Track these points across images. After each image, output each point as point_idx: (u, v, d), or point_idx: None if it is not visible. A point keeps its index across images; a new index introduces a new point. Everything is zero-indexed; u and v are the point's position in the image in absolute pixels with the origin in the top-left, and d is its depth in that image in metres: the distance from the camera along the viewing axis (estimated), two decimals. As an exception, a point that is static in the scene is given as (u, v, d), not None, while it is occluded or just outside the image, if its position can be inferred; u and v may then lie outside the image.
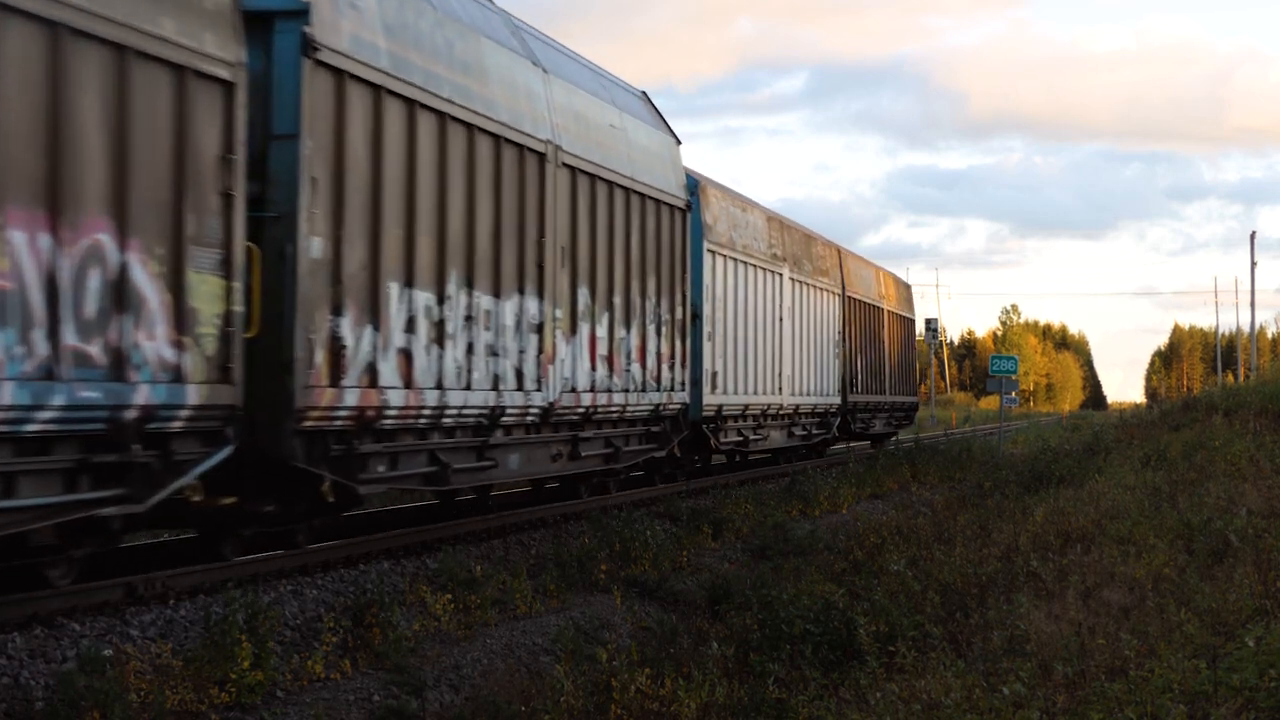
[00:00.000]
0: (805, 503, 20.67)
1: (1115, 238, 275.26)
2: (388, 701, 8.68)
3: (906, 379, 39.63)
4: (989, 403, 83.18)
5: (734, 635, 10.62)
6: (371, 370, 11.66)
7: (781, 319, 25.92)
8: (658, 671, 9.15)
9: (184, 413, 9.50)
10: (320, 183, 10.98)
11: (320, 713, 8.32)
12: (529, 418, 14.69)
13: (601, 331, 16.58)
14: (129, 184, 8.92)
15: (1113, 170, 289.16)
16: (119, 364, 8.89)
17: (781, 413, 26.00)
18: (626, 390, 17.29)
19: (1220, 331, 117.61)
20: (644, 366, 17.90)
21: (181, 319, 9.46)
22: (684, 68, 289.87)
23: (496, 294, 13.88)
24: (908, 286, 42.32)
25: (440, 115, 12.72)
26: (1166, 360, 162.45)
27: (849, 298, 32.04)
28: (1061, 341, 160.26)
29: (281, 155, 10.72)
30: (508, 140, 14.06)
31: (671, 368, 18.95)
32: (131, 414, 9.00)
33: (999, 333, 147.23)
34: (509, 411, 14.09)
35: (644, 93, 20.17)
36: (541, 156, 14.92)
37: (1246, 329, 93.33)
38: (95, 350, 8.70)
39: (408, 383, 12.20)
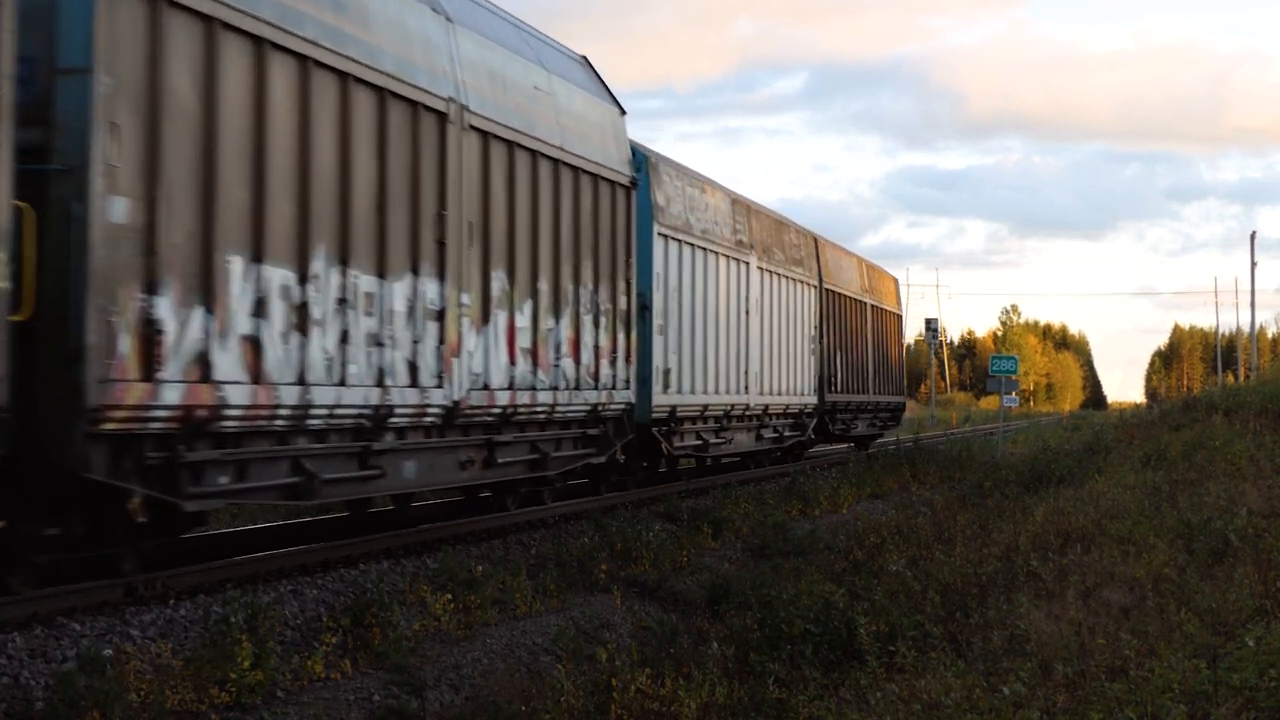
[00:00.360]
0: (805, 503, 20.67)
1: (1115, 238, 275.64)
2: (388, 701, 8.68)
3: (892, 378, 37.49)
4: (989, 403, 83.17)
5: (734, 635, 10.62)
6: (203, 361, 9.73)
7: (748, 312, 23.84)
8: (658, 671, 9.16)
9: None
10: (125, 130, 9.04)
11: (320, 713, 8.32)
12: (428, 419, 12.83)
13: (523, 321, 14.66)
14: None
15: (1112, 170, 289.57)
16: None
17: (749, 414, 24.01)
18: (556, 388, 15.36)
19: (1220, 331, 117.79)
20: (578, 362, 16.00)
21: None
22: (683, 68, 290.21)
23: (382, 274, 11.96)
24: (894, 280, 40.26)
25: (301, 59, 10.82)
26: (1166, 360, 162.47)
27: (827, 290, 30.05)
28: (1061, 341, 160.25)
29: (70, 94, 8.77)
30: (395, 95, 12.12)
31: (613, 364, 17.03)
32: None
33: (999, 333, 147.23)
34: (399, 412, 12.20)
35: (585, 58, 18.15)
36: (442, 117, 12.93)
37: (1246, 329, 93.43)
38: None
39: (256, 377, 10.24)
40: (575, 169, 15.95)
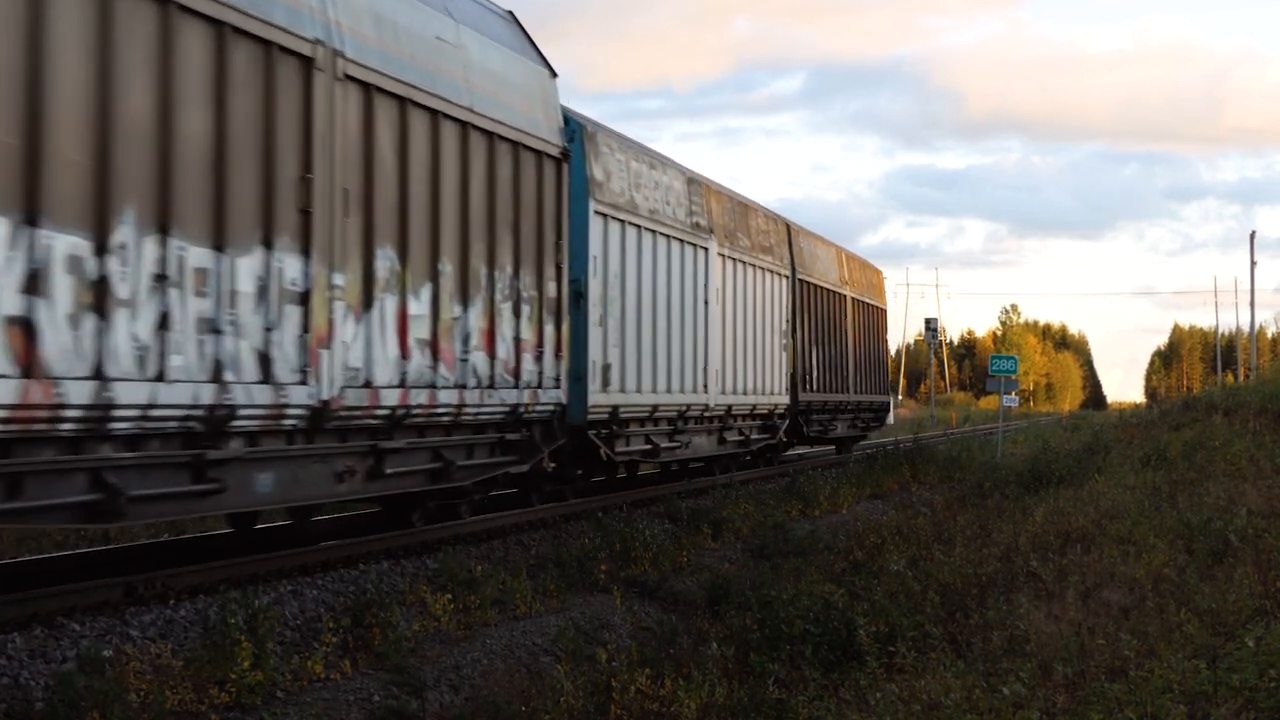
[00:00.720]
0: (805, 503, 20.69)
1: (1114, 238, 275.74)
2: (388, 702, 8.68)
3: (876, 376, 35.12)
4: (989, 402, 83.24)
5: (734, 635, 10.63)
6: None
7: (707, 302, 21.49)
8: (658, 672, 9.17)
9: None
10: None
11: (320, 713, 8.33)
12: (287, 422, 10.76)
13: (419, 308, 12.62)
14: None
15: (1110, 170, 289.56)
16: None
17: (708, 415, 21.63)
18: (463, 386, 13.29)
19: (1220, 331, 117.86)
20: (493, 356, 13.94)
21: None
22: (682, 68, 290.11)
23: (220, 246, 9.90)
24: (879, 273, 37.80)
25: None
26: (1166, 360, 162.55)
27: (801, 281, 27.67)
28: (1061, 341, 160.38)
29: None
30: (239, 30, 10.10)
31: (539, 359, 14.99)
32: None
33: (999, 333, 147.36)
34: (245, 414, 10.13)
35: (510, 12, 15.97)
36: (307, 62, 10.93)
37: (1246, 329, 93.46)
38: None
39: (29, 369, 8.22)
40: (489, 134, 13.88)
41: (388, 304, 12.12)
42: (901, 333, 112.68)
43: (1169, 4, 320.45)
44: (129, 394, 9.00)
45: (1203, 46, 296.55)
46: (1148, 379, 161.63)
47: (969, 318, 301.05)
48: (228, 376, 9.97)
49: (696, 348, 20.98)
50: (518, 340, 14.52)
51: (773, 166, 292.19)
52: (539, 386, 14.96)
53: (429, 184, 12.83)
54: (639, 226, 18.79)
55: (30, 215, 8.28)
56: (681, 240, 20.46)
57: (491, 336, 13.97)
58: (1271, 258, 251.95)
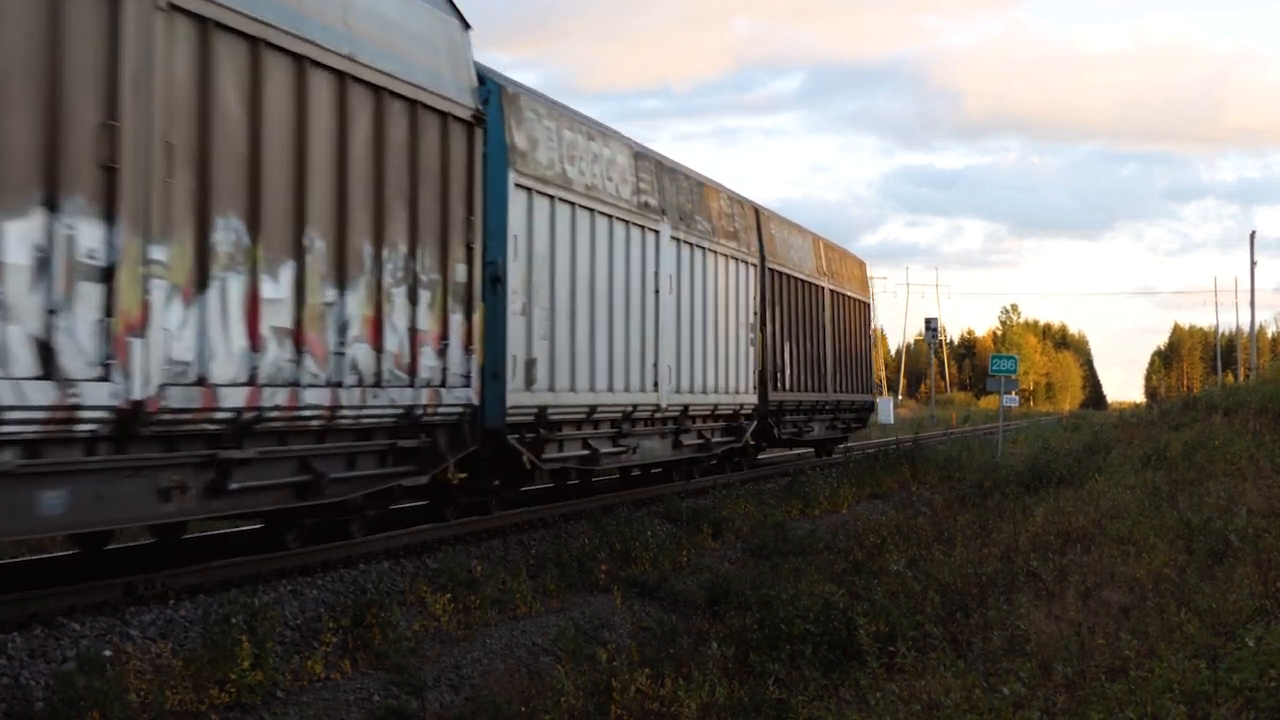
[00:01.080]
0: (805, 503, 20.71)
1: (1113, 238, 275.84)
2: (388, 701, 8.69)
3: (858, 373, 32.54)
4: (989, 402, 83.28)
5: (734, 635, 10.63)
6: None
7: (658, 291, 19.22)
8: (658, 671, 9.17)
9: None
10: None
11: (320, 713, 8.33)
12: (83, 427, 8.67)
13: (276, 290, 10.58)
14: None
15: (1110, 170, 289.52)
16: None
17: (660, 416, 19.38)
18: (339, 385, 11.35)
19: (1220, 331, 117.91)
20: (379, 350, 11.97)
21: None
22: (681, 68, 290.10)
23: None
24: (861, 264, 35.09)
25: None
26: (1166, 360, 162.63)
27: (771, 270, 25.37)
28: (1061, 341, 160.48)
29: None
30: None
31: (443, 353, 13.04)
32: None
33: (999, 332, 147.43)
34: (11, 417, 8.02)
35: None
36: None
37: (1246, 328, 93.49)
38: None
39: None
40: (376, 89, 11.94)
41: (231, 284, 10.06)
42: (902, 333, 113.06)
43: (1169, 4, 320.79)
44: None
45: (1203, 46, 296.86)
46: (1148, 379, 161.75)
47: (969, 318, 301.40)
48: None
49: (645, 342, 18.78)
50: (414, 331, 12.55)
51: (772, 167, 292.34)
52: (443, 385, 13.02)
53: (292, 144, 10.82)
54: (572, 204, 16.43)
55: None
56: (627, 221, 18.12)
57: (378, 326, 11.98)
58: (1271, 258, 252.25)
